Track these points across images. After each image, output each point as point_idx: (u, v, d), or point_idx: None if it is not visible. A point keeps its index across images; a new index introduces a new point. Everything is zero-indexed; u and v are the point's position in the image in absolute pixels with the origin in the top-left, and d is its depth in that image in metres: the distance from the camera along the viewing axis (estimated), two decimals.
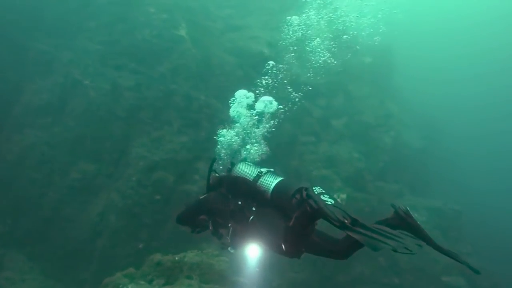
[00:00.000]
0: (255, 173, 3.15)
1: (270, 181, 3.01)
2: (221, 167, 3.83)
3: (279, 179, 3.02)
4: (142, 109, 11.60)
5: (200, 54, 12.95)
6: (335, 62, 15.39)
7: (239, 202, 3.14)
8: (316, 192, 2.52)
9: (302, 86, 14.05)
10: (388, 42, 17.61)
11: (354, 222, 2.31)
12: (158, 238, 11.11)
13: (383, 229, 2.31)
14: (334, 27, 13.93)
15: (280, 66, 14.11)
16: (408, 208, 2.57)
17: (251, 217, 2.97)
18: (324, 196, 2.49)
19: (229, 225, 3.21)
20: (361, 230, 2.26)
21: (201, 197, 3.56)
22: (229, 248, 3.26)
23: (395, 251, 2.13)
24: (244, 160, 3.71)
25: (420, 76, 27.56)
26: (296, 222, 2.57)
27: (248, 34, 15.27)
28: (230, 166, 3.52)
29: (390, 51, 18.28)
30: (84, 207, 10.61)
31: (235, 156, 3.97)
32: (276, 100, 4.28)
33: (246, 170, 3.24)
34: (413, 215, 2.54)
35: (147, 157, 11.06)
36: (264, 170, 3.17)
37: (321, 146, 13.68)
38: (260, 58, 13.79)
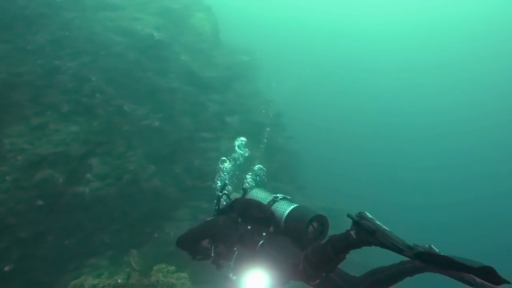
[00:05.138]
0: (269, 198, 3.08)
1: (285, 207, 2.95)
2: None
3: (294, 205, 2.96)
4: (17, 88, 8.85)
5: (85, 27, 10.77)
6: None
7: (249, 227, 3.01)
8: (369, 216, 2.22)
9: (195, 78, 13.47)
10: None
11: (413, 248, 2.05)
12: (33, 256, 8.68)
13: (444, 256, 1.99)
14: None
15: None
16: (432, 246, 2.19)
17: (261, 242, 2.82)
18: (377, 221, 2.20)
19: (235, 249, 3.02)
20: (432, 257, 1.97)
21: (208, 219, 3.34)
22: (230, 275, 3.03)
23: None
24: (257, 185, 3.72)
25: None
26: (329, 245, 2.32)
27: (128, 15, 13.55)
28: (242, 191, 3.43)
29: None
30: None
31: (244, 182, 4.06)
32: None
33: (260, 195, 3.18)
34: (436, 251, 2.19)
35: (27, 150, 8.50)
36: (279, 196, 3.11)
37: (222, 143, 13.29)
38: (151, 42, 12.47)
